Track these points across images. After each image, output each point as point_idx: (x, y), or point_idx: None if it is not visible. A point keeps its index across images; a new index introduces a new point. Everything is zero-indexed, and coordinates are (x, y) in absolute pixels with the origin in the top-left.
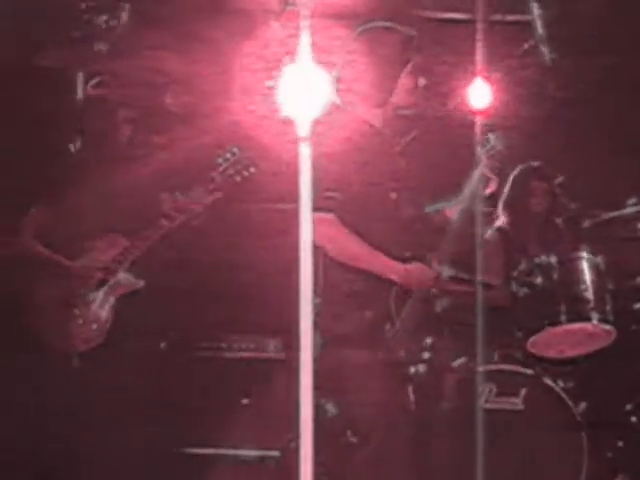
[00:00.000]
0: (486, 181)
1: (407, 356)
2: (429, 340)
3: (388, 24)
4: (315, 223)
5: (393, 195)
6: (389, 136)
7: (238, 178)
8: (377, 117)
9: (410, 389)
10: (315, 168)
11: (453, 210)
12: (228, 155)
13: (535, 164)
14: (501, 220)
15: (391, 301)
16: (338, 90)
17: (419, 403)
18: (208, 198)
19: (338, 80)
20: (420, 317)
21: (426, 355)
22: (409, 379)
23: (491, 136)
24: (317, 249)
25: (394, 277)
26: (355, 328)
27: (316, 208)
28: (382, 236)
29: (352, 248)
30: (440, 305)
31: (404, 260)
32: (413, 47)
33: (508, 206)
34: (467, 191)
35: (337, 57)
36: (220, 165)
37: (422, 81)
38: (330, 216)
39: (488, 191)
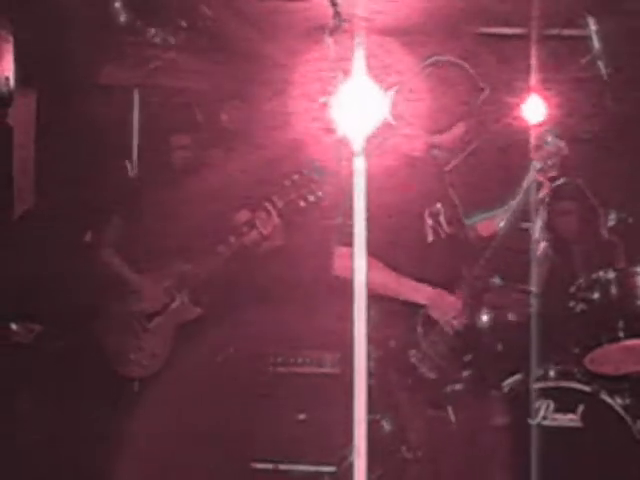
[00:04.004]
0: (539, 186)
1: (440, 378)
2: (468, 358)
3: (459, 62)
4: (338, 257)
5: (428, 220)
6: (431, 160)
7: (302, 203)
8: (419, 147)
9: (450, 409)
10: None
11: (496, 222)
12: (294, 178)
13: (564, 180)
14: (542, 246)
15: (418, 325)
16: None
17: (460, 422)
18: (269, 223)
19: (392, 100)
20: (452, 340)
21: (465, 373)
22: (447, 399)
23: (550, 138)
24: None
25: (421, 300)
26: (383, 353)
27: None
28: (409, 261)
29: (376, 276)
30: (486, 320)
31: (432, 285)
32: (477, 93)
33: (547, 228)
34: (518, 198)
35: (394, 76)
36: (283, 189)
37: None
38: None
39: (542, 195)
